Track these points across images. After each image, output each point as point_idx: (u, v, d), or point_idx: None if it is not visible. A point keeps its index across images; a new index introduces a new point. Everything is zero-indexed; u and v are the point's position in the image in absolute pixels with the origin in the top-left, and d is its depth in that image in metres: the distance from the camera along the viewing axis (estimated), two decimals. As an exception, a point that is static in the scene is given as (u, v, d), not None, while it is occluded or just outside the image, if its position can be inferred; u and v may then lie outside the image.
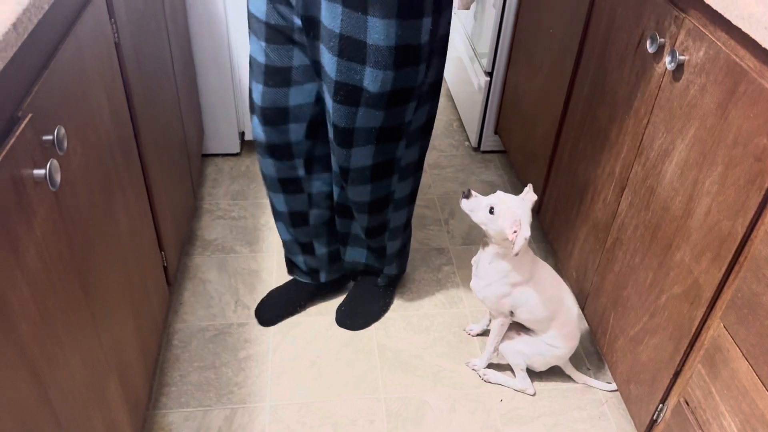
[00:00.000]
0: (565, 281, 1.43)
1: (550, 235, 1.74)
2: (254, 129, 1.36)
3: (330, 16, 1.11)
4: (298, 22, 1.18)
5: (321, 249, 1.57)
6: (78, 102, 0.94)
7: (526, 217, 1.26)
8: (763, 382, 0.91)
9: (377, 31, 1.10)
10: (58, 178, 0.80)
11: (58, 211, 0.84)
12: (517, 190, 2.10)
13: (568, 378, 1.52)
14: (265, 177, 1.44)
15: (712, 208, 1.03)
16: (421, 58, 1.18)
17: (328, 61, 1.16)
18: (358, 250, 1.58)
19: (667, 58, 1.12)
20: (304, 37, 1.20)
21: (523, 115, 1.95)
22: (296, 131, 1.33)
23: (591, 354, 1.58)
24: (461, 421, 1.42)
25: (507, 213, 1.25)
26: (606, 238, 1.39)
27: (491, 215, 1.26)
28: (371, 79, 1.16)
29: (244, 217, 1.95)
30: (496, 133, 2.24)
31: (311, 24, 1.16)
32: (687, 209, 1.10)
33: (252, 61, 1.28)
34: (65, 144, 0.84)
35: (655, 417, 1.21)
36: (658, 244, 1.19)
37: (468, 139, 2.37)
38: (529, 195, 1.31)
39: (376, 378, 1.50)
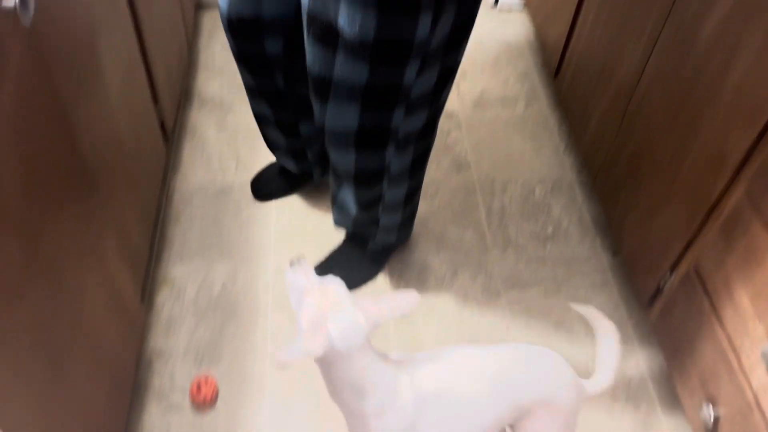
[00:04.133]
0: (577, 155, 1.35)
1: (566, 103, 1.65)
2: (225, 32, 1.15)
3: None
4: None
5: (313, 153, 1.38)
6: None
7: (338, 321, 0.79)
8: (783, 252, 0.88)
9: None
10: (31, 8, 0.71)
11: (36, 49, 0.76)
12: (535, 52, 1.97)
13: (575, 247, 1.51)
14: (242, 76, 1.24)
15: (752, 71, 0.94)
16: (421, 2, 0.84)
17: None
18: (344, 213, 1.29)
19: None
20: None
21: (546, -33, 1.78)
22: (273, 44, 1.11)
23: (598, 223, 1.56)
24: (462, 285, 1.42)
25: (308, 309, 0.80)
26: (628, 103, 1.31)
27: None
28: (347, 20, 0.85)
29: (244, 73, 1.85)
30: (514, -12, 2.07)
31: None
32: (723, 72, 1.00)
33: None
34: (37, -30, 0.74)
35: (661, 285, 1.20)
36: (686, 109, 1.11)
37: (484, -4, 2.20)
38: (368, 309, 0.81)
39: (379, 241, 1.48)
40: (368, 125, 1.00)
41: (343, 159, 1.08)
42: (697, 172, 1.08)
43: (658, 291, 1.22)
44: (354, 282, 1.39)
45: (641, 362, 1.32)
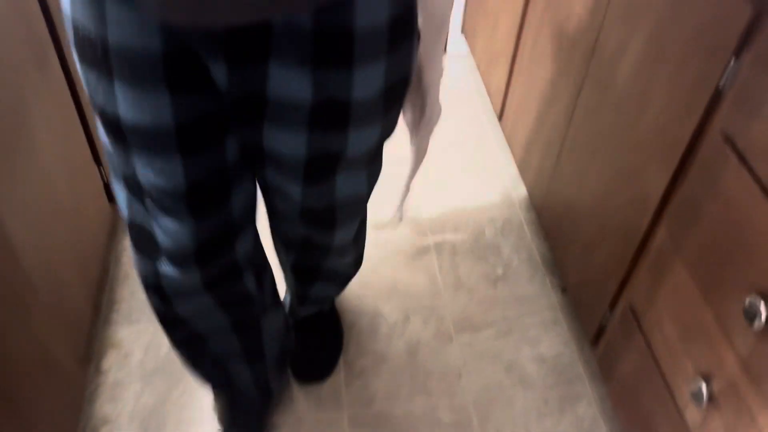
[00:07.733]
0: (524, 194, 1.37)
1: (512, 143, 1.68)
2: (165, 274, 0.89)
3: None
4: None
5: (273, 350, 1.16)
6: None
7: None
8: (700, 292, 0.89)
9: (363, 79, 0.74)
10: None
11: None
12: (482, 96, 2.02)
13: (524, 285, 1.51)
14: (182, 322, 0.99)
15: (664, 112, 0.97)
16: (406, 90, 0.87)
17: (291, 139, 0.78)
18: (331, 286, 1.26)
19: (625, -56, 1.02)
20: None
21: (487, 12, 1.83)
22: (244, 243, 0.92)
23: (547, 261, 1.57)
24: (414, 330, 1.42)
25: None
26: (562, 142, 1.33)
27: None
28: (356, 142, 0.82)
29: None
30: (462, 32, 2.12)
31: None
32: (637, 112, 1.03)
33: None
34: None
35: (603, 323, 1.21)
36: (610, 147, 1.13)
37: (434, 41, 2.25)
38: None
39: (330, 290, 1.48)
40: (364, 216, 1.15)
41: (344, 257, 1.14)
42: (624, 210, 1.10)
43: (601, 329, 1.22)
44: (337, 343, 1.38)
45: (593, 401, 1.31)
